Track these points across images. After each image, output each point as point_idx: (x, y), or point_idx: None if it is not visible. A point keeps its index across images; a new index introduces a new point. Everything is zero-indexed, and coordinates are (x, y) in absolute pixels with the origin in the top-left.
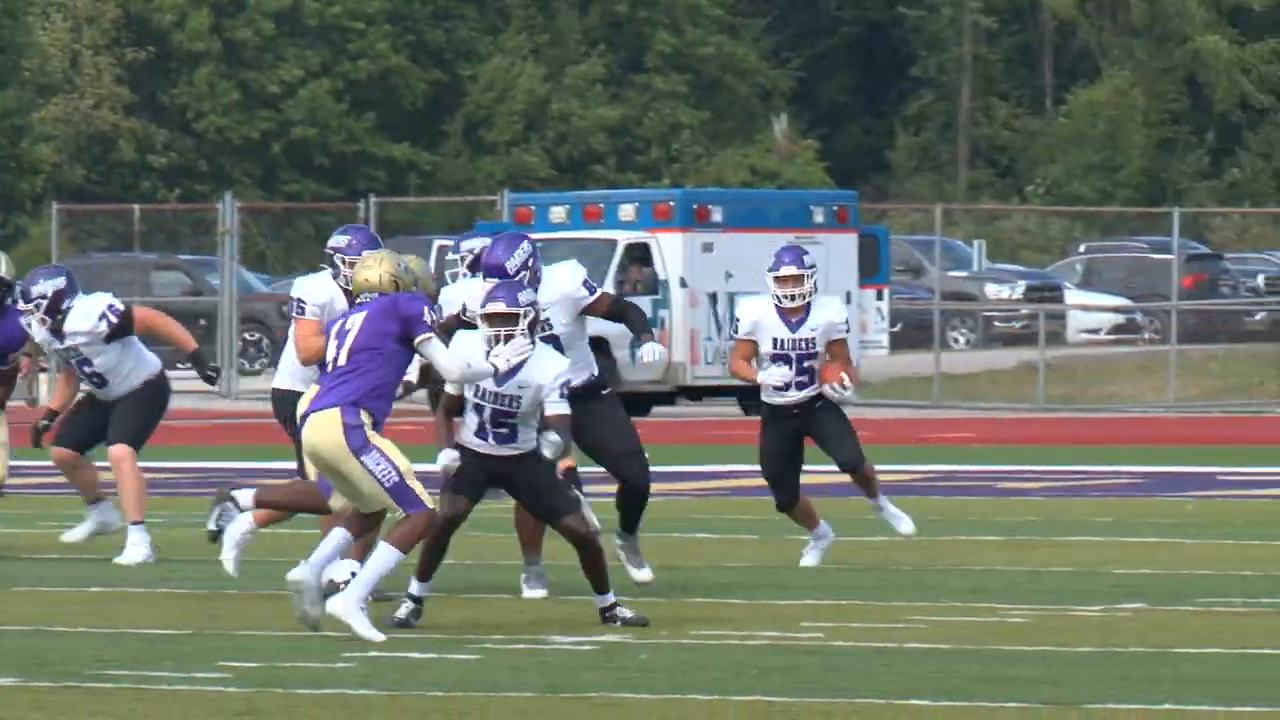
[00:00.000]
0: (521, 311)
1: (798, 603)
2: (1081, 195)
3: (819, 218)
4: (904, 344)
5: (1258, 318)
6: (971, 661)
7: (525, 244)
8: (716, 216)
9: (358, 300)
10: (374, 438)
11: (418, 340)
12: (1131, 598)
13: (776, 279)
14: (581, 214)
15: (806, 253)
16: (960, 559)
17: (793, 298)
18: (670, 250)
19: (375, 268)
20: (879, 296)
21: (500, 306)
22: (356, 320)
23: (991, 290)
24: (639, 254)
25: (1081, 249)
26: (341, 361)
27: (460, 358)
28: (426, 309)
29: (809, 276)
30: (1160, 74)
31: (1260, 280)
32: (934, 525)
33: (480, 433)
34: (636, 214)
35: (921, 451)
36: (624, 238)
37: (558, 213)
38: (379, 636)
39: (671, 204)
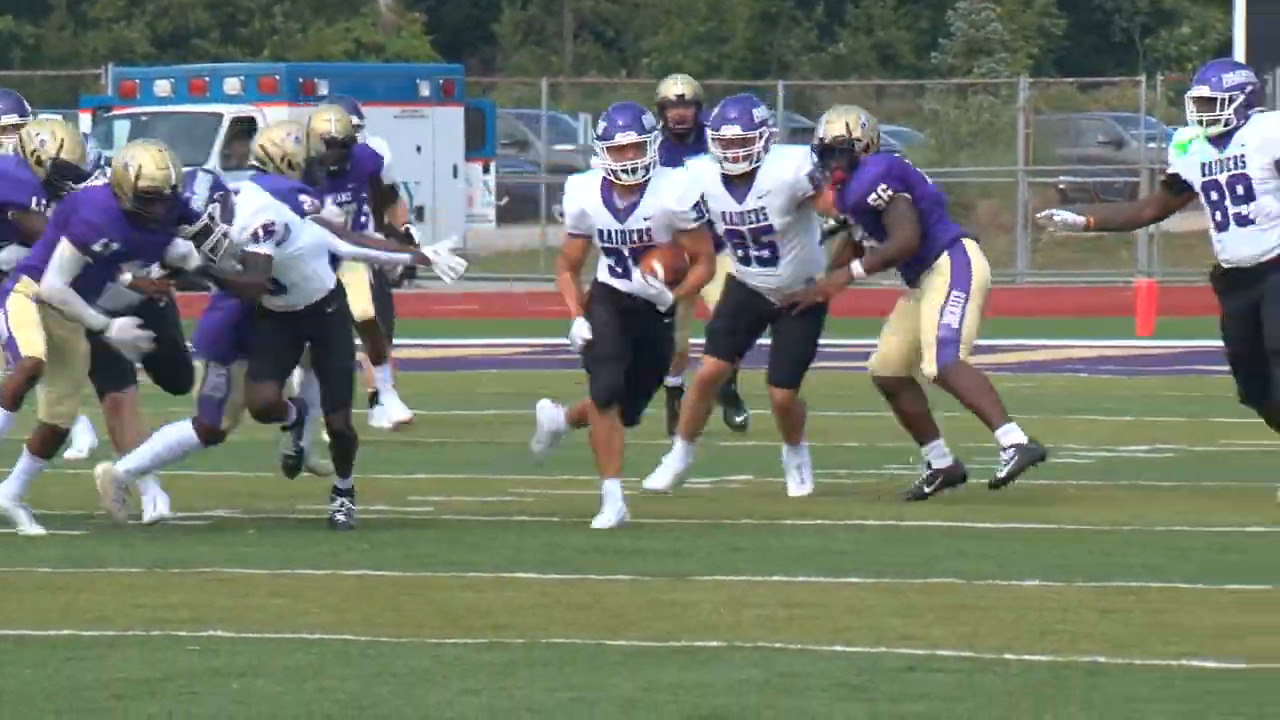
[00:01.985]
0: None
1: (406, 477)
2: (686, 68)
3: (425, 91)
4: (510, 218)
5: None
6: (579, 534)
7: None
8: (323, 90)
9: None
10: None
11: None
12: (739, 469)
13: (609, 149)
14: (187, 88)
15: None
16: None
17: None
18: None
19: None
20: (485, 170)
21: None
22: None
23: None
24: (245, 128)
25: None
26: None
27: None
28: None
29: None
30: None
31: None
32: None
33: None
34: (242, 87)
35: (531, 325)
36: (229, 111)
37: (162, 86)
38: (122, 516)
39: (277, 77)
